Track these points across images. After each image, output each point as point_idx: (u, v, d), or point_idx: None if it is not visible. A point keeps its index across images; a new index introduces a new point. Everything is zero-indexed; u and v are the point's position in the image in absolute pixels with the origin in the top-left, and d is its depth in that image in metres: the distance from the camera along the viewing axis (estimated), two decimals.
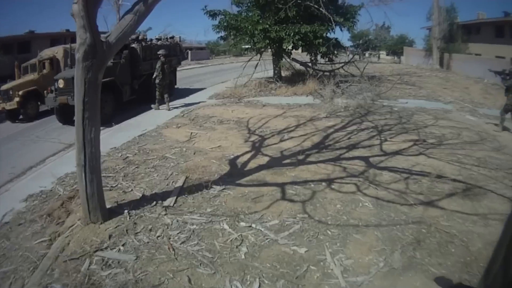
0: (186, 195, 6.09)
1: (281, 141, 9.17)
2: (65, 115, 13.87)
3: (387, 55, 51.58)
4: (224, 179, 6.74)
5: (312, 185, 6.33)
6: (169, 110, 14.34)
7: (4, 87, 16.58)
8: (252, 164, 7.47)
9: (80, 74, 4.76)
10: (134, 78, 15.49)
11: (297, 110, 12.93)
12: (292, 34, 16.31)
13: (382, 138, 9.19)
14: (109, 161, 8.34)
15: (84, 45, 4.63)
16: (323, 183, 6.39)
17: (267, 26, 16.60)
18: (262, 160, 7.73)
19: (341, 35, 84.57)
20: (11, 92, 16.12)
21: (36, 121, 15.92)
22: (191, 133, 10.32)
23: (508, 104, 10.58)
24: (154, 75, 14.16)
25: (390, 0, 18.70)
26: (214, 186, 6.33)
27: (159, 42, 18.02)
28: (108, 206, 5.63)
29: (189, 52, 59.15)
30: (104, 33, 5.09)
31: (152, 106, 14.66)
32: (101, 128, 11.77)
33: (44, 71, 17.25)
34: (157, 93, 14.45)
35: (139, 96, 15.92)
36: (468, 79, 22.03)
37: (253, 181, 6.59)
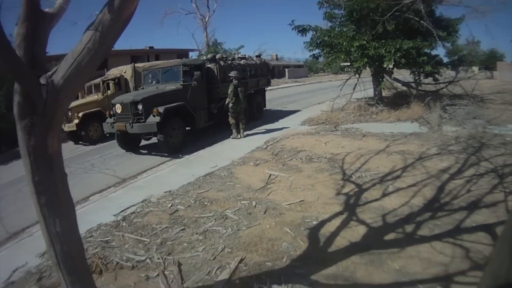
0: None
1: (383, 195, 6.62)
2: (127, 141, 12.78)
3: (479, 70, 47.55)
4: (294, 268, 4.43)
5: None
6: (243, 137, 12.90)
7: None
8: (340, 240, 5.04)
9: (21, 139, 2.87)
10: (212, 102, 13.90)
11: (402, 142, 10.36)
12: (393, 51, 14.05)
13: (506, 190, 6.51)
14: (153, 213, 6.58)
15: (16, 94, 2.76)
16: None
17: (364, 42, 14.49)
18: (355, 232, 5.28)
19: (437, 52, 78.98)
20: (70, 114, 15.43)
21: (100, 144, 15.23)
22: (270, 175, 8.14)
23: None
24: (227, 101, 12.64)
25: (489, 11, 15.33)
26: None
27: (242, 61, 16.38)
28: None
29: (286, 70, 58.36)
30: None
31: (231, 136, 12.99)
32: (167, 159, 11.41)
33: (109, 92, 16.56)
34: (230, 119, 12.85)
35: (219, 121, 14.24)
36: None
37: (336, 278, 4.18)
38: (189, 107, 12.53)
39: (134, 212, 6.72)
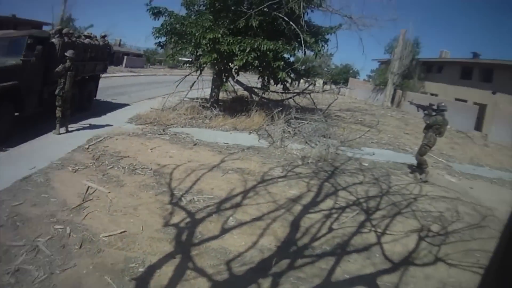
0: None
1: (223, 230, 5.69)
2: None
3: (324, 84, 47.84)
4: None
5: None
6: (65, 132, 10.95)
7: None
8: None
9: None
10: (45, 84, 11.50)
11: (240, 157, 9.64)
12: (248, 50, 12.73)
13: (378, 230, 6.11)
14: None
15: None
16: None
17: (219, 35, 12.94)
18: None
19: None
20: None
21: None
22: (88, 188, 6.79)
23: (425, 145, 9.74)
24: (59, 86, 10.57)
25: (366, 26, 15.18)
26: None
27: (86, 40, 14.07)
28: None
29: (125, 57, 55.21)
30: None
31: (53, 132, 10.80)
32: None
33: None
34: (57, 110, 10.68)
35: (50, 109, 11.47)
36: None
37: None
38: (22, 88, 10.22)
39: None
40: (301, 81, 20.17)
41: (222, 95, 17.54)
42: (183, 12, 15.47)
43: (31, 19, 39.85)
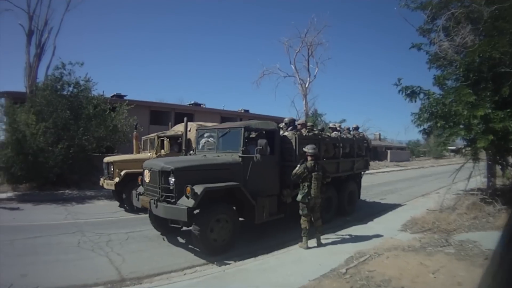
0: None
1: None
2: (161, 221, 9.15)
3: None
4: None
5: None
6: (316, 246, 8.66)
7: (107, 159, 13.36)
8: None
9: None
10: (285, 187, 9.87)
11: None
12: None
13: None
14: None
15: None
16: None
17: (489, 111, 10.15)
18: None
19: None
20: (112, 168, 12.69)
21: (142, 214, 11.50)
22: None
23: None
24: (301, 194, 8.55)
25: None
26: None
27: (333, 133, 12.40)
28: None
29: (389, 152, 55.06)
30: None
31: (299, 245, 8.75)
32: (202, 262, 7.83)
33: (163, 151, 13.23)
34: (302, 220, 8.66)
35: (293, 215, 9.65)
36: None
37: None
38: (246, 191, 8.59)
39: None
40: None
41: (498, 182, 13.98)
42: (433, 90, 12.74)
43: (270, 115, 39.40)
